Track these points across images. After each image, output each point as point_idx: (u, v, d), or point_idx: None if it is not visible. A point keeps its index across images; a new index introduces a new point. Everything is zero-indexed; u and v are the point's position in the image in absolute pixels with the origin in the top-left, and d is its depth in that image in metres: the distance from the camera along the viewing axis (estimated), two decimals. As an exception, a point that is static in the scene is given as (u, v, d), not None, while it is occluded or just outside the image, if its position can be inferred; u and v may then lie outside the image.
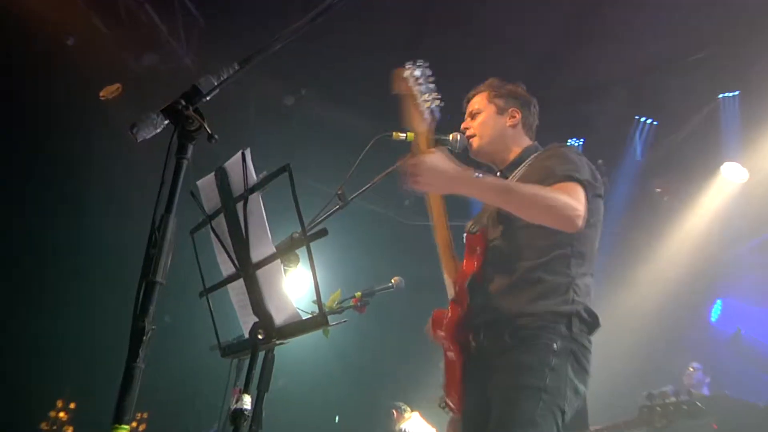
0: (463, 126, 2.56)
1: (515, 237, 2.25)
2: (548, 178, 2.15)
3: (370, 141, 2.48)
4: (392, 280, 3.19)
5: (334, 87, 6.05)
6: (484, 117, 2.52)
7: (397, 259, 6.46)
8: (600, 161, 6.31)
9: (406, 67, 2.11)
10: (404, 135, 2.47)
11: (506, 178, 2.37)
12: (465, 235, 2.36)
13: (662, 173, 6.60)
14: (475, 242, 2.32)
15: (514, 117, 2.49)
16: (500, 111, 2.51)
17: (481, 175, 2.01)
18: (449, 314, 2.29)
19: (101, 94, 5.19)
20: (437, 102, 2.19)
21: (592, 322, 2.15)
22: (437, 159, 2.01)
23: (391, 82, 2.07)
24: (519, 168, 2.38)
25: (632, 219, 6.57)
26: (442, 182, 2.01)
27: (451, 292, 2.32)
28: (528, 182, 2.20)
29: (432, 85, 2.16)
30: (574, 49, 5.51)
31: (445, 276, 2.33)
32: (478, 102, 2.57)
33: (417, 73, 2.12)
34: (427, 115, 2.17)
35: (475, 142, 2.50)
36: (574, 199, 2.05)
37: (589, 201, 2.11)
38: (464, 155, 2.54)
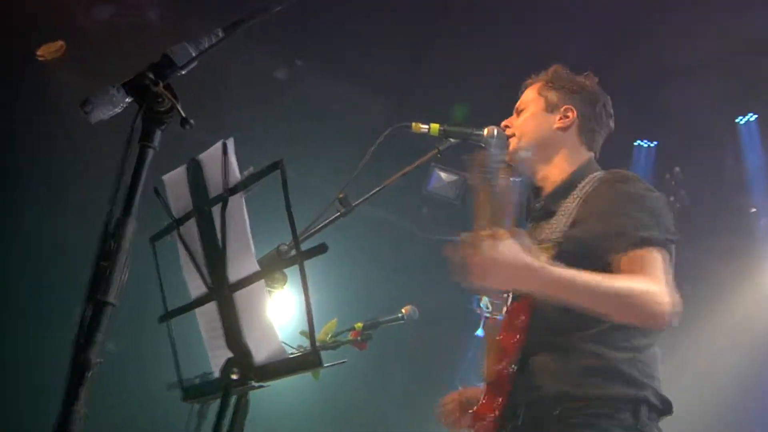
0: (503, 123, 2.57)
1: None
2: (618, 238, 2.11)
3: (384, 131, 2.51)
4: (403, 310, 3.20)
5: (338, 58, 6.08)
6: (529, 114, 2.54)
7: (410, 282, 6.47)
8: (677, 169, 6.29)
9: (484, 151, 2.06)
10: (426, 127, 2.50)
11: (550, 212, 2.34)
12: (503, 303, 2.33)
13: (758, 188, 6.52)
14: (518, 311, 2.27)
15: (567, 117, 2.49)
16: (550, 107, 2.52)
17: (549, 267, 1.97)
18: (483, 401, 2.25)
19: (39, 52, 5.22)
20: (512, 177, 2.11)
21: (663, 409, 2.15)
22: (505, 250, 1.92)
23: (468, 171, 2.02)
24: (567, 199, 2.33)
25: (715, 244, 6.50)
26: (501, 281, 1.99)
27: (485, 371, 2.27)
28: (586, 230, 2.18)
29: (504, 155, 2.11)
30: (645, 22, 5.50)
31: None
32: (528, 95, 2.59)
33: (494, 151, 2.08)
34: (509, 200, 2.06)
35: (513, 143, 2.52)
36: (656, 284, 2.02)
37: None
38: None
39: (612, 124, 2.58)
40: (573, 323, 2.16)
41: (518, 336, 2.23)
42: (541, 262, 1.97)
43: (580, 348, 2.15)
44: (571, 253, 2.13)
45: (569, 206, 2.30)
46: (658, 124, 6.20)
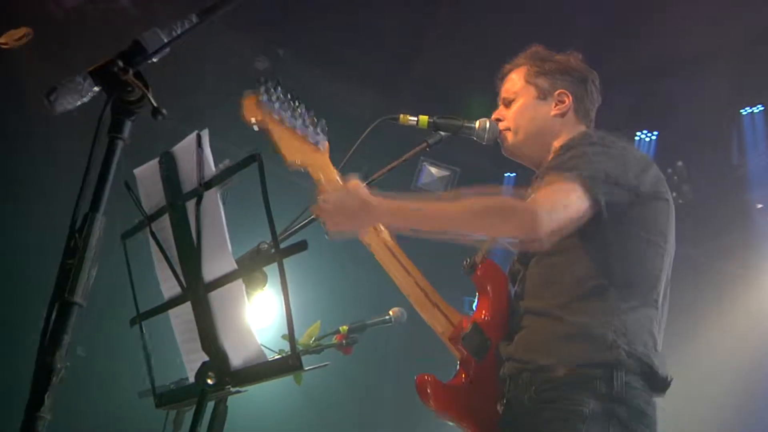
0: (494, 116, 2.59)
1: (538, 272, 2.33)
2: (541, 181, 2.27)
3: (370, 124, 2.52)
4: (390, 312, 3.21)
5: (323, 47, 6.08)
6: (521, 104, 2.56)
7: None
8: (680, 163, 6.32)
9: (254, 93, 2.13)
10: (415, 119, 2.51)
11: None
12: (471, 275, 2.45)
13: (764, 183, 6.55)
14: (488, 278, 2.43)
15: (562, 102, 2.53)
16: (542, 95, 2.54)
17: (391, 199, 2.12)
18: (459, 380, 2.35)
19: (2, 40, 5.19)
20: (315, 121, 2.23)
21: (652, 375, 2.17)
22: (340, 196, 2.12)
23: (242, 113, 2.12)
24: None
25: (723, 242, 6.54)
26: (347, 221, 2.13)
27: (453, 349, 2.38)
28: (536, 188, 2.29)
29: (298, 103, 2.19)
30: (647, 9, 5.53)
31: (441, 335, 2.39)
32: (514, 83, 2.60)
33: (273, 97, 2.14)
34: (312, 140, 2.22)
35: (508, 137, 2.54)
36: (543, 199, 2.14)
37: (614, 203, 2.17)
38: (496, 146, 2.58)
39: (600, 97, 2.63)
40: (546, 292, 2.27)
41: (504, 310, 2.38)
42: (383, 198, 2.12)
43: (552, 316, 2.22)
44: None
45: None
46: (660, 115, 6.24)
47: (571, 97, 2.53)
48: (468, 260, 2.45)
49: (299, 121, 2.18)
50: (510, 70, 2.64)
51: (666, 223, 2.33)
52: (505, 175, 6.83)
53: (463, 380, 2.34)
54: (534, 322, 2.27)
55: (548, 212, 2.10)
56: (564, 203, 2.14)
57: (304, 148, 2.20)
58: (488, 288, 2.43)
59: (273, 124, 2.14)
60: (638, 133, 6.35)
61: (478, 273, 2.43)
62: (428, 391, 2.30)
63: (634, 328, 2.18)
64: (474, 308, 2.44)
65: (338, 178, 2.23)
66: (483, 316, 2.39)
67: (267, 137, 2.15)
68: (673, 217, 2.37)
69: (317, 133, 2.22)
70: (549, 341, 2.21)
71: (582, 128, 2.53)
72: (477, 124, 2.55)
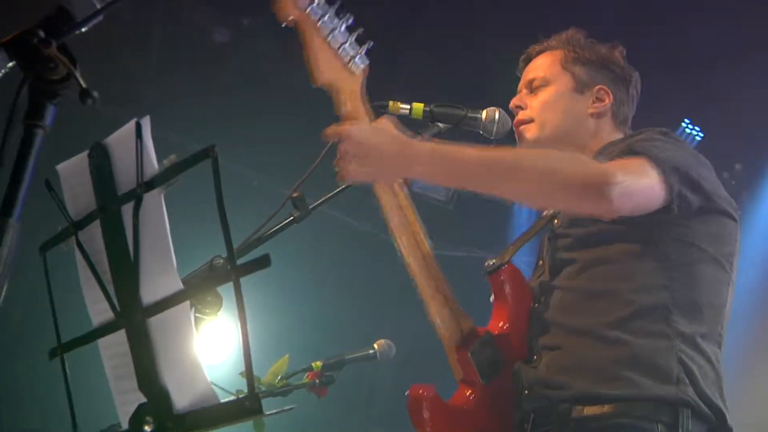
0: (513, 103, 2.59)
1: (578, 284, 2.34)
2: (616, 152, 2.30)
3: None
4: (375, 345, 3.22)
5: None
6: (552, 93, 2.56)
7: (384, 309, 6.48)
8: (738, 166, 6.37)
9: None
10: (407, 107, 2.51)
11: None
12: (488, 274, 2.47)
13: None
14: (510, 283, 2.44)
15: (602, 101, 2.55)
16: (580, 87, 2.56)
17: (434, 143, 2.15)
18: (459, 401, 2.37)
19: None
20: (362, 45, 2.24)
21: (719, 425, 2.18)
22: (369, 131, 2.11)
23: (278, 4, 2.12)
24: None
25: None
26: (377, 166, 2.10)
27: (455, 361, 2.38)
28: None
29: (346, 13, 2.20)
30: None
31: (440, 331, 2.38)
32: (546, 66, 2.60)
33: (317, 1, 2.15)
34: (347, 58, 2.22)
35: (530, 132, 2.54)
36: (617, 168, 2.14)
37: (686, 201, 2.19)
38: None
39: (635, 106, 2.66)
40: (593, 305, 2.27)
41: (514, 316, 2.40)
42: (420, 141, 2.13)
43: (599, 335, 2.23)
44: None
45: None
46: (708, 111, 6.29)
47: (611, 97, 2.54)
48: (493, 260, 2.47)
49: (338, 29, 2.18)
50: (540, 52, 2.64)
51: (733, 247, 2.36)
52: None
53: (467, 402, 2.34)
54: (573, 342, 2.27)
55: (624, 173, 2.11)
56: (640, 172, 2.16)
57: (335, 66, 2.20)
58: (509, 295, 2.44)
59: (310, 29, 2.13)
60: (685, 124, 6.36)
61: (501, 276, 2.45)
62: (424, 408, 2.30)
63: (701, 363, 2.19)
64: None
65: (368, 112, 2.25)
66: (499, 327, 2.40)
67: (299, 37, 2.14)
68: (739, 243, 2.40)
69: (357, 54, 2.23)
70: (594, 365, 2.21)
71: (619, 136, 2.55)
72: (484, 114, 2.56)
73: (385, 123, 2.13)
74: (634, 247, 2.26)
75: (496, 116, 2.55)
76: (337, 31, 2.17)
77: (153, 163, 1.59)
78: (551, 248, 2.47)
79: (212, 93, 6.08)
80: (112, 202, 1.63)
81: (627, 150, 2.27)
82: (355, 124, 2.13)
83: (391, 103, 2.56)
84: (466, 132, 2.61)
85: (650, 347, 2.18)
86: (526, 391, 2.30)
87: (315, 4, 2.12)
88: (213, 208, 1.48)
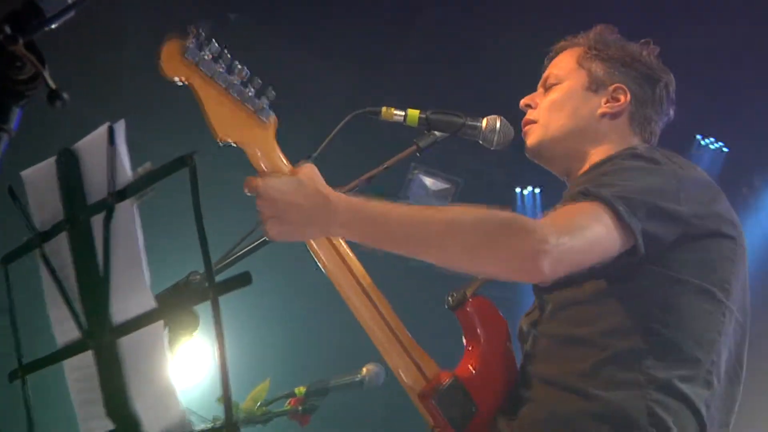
0: (524, 101, 2.60)
1: (552, 329, 2.34)
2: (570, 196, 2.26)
3: (344, 117, 2.52)
4: (363, 370, 3.21)
5: (287, 13, 6.10)
6: (564, 90, 2.56)
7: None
8: (744, 189, 6.38)
9: (180, 39, 2.12)
10: (402, 114, 2.51)
11: None
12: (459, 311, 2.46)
13: None
14: (480, 319, 2.43)
15: (617, 100, 2.53)
16: (595, 85, 2.55)
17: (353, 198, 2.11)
18: None
19: None
20: (259, 87, 2.20)
21: None
22: (286, 185, 2.04)
23: (162, 64, 2.11)
24: None
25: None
26: (296, 225, 2.06)
27: (424, 411, 2.36)
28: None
29: (238, 63, 2.17)
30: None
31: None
32: (563, 63, 2.61)
33: (205, 49, 2.13)
34: (253, 109, 2.18)
35: (533, 135, 2.54)
36: (555, 218, 2.13)
37: (655, 236, 2.16)
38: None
39: (673, 112, 2.62)
40: (562, 356, 2.27)
41: (499, 368, 2.39)
42: (341, 197, 2.09)
43: (568, 387, 2.23)
44: None
45: None
46: (728, 121, 6.31)
47: (629, 96, 2.52)
48: (455, 293, 2.44)
49: (236, 82, 2.14)
50: (563, 49, 2.64)
51: (730, 270, 2.31)
52: (518, 191, 6.84)
53: None
54: (543, 394, 2.28)
55: (558, 234, 2.06)
56: (582, 225, 2.12)
57: (241, 118, 2.16)
58: (479, 331, 2.42)
59: (200, 81, 2.11)
60: (702, 140, 6.38)
61: (468, 309, 2.43)
62: None
63: (677, 410, 2.17)
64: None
65: (285, 163, 2.21)
66: (469, 370, 2.38)
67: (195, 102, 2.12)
68: (744, 265, 2.36)
69: (261, 103, 2.18)
70: (563, 418, 2.20)
71: (635, 141, 2.52)
72: (484, 122, 2.55)
73: (307, 173, 2.08)
74: (604, 286, 2.24)
75: (498, 125, 2.55)
76: (234, 79, 2.15)
77: (126, 171, 1.58)
78: (535, 288, 2.47)
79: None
80: (80, 212, 1.62)
81: (577, 193, 2.24)
82: (271, 178, 2.08)
83: (384, 109, 2.55)
84: (465, 142, 2.61)
85: (619, 398, 2.17)
86: None
87: (203, 47, 2.10)
88: (190, 220, 1.48)
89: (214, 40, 2.13)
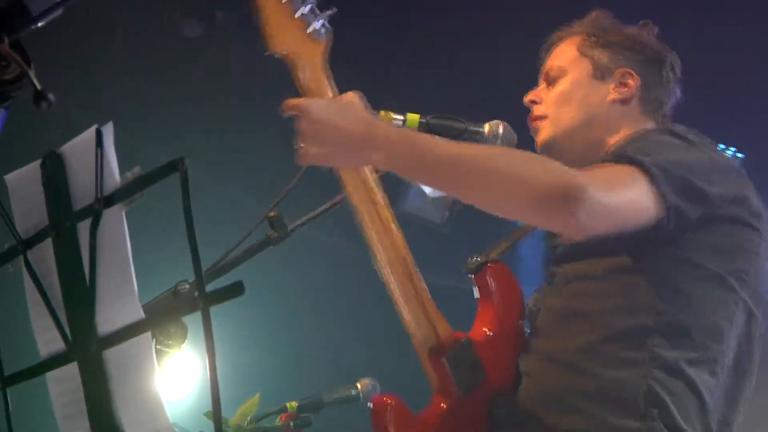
0: (528, 97, 2.61)
1: (558, 303, 2.36)
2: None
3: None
4: (358, 384, 3.21)
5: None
6: (570, 81, 2.57)
7: (370, 343, 6.46)
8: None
9: None
10: (401, 118, 2.52)
11: None
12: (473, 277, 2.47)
13: None
14: (499, 283, 2.44)
15: (625, 85, 2.54)
16: (600, 72, 2.56)
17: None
18: (431, 413, 2.35)
19: None
20: (323, 13, 2.22)
21: None
22: (331, 108, 2.07)
23: None
24: None
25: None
26: (336, 148, 2.06)
27: (429, 368, 2.37)
28: None
29: None
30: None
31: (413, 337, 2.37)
32: (563, 54, 2.62)
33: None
34: (312, 32, 2.20)
35: (544, 131, 2.55)
36: (594, 174, 2.13)
37: (683, 212, 2.16)
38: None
39: (680, 91, 2.64)
40: (564, 330, 2.30)
41: (510, 336, 2.41)
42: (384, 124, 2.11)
43: (566, 363, 2.26)
44: None
45: None
46: (744, 127, 6.32)
47: (638, 80, 2.53)
48: (476, 257, 2.46)
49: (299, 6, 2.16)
50: (560, 39, 2.65)
51: (750, 262, 2.33)
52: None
53: (440, 415, 2.33)
54: (539, 370, 2.31)
55: (597, 187, 2.07)
56: (621, 183, 2.14)
57: (295, 31, 2.18)
58: (495, 297, 2.44)
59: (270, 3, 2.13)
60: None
61: (486, 274, 2.44)
62: (387, 419, 2.30)
63: (679, 392, 2.18)
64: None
65: (331, 86, 2.23)
66: (484, 333, 2.39)
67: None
68: (765, 258, 2.37)
69: (319, 21, 2.20)
70: (556, 396, 2.23)
71: (649, 125, 2.54)
72: (486, 128, 2.56)
73: (351, 99, 2.10)
74: (621, 261, 2.25)
75: (500, 131, 2.56)
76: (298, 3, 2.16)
77: (114, 176, 1.58)
78: (547, 259, 2.50)
79: (184, 96, 6.08)
80: (66, 218, 1.62)
81: (616, 154, 2.28)
82: (315, 101, 2.11)
83: (382, 113, 2.55)
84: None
85: (617, 377, 2.19)
86: (500, 421, 2.33)
87: None
88: (180, 227, 1.48)
89: None
